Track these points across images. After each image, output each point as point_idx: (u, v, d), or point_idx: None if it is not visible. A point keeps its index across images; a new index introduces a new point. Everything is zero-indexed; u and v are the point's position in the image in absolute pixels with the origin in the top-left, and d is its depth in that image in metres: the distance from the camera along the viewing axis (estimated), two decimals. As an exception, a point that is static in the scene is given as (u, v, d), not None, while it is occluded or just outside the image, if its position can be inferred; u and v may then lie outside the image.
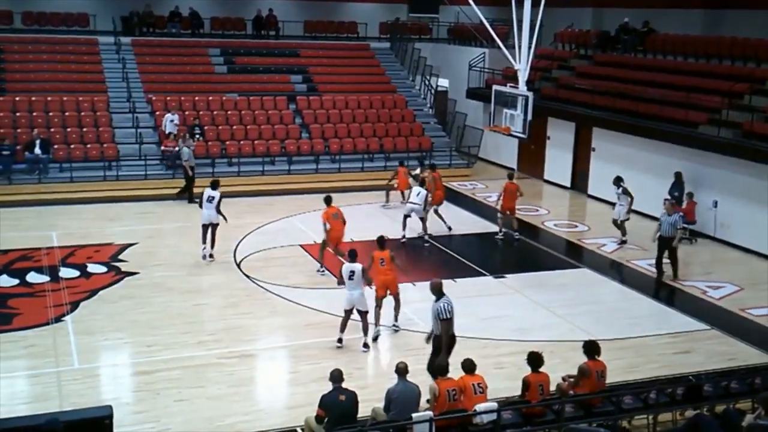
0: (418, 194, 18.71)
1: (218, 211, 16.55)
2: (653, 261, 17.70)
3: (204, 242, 16.72)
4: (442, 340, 11.24)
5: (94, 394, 11.06)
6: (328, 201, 16.44)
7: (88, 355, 12.29)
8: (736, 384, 10.59)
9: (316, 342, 13.01)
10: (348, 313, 12.79)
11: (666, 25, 25.36)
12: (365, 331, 12.90)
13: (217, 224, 16.67)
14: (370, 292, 13.32)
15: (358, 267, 12.79)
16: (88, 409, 9.08)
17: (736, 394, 10.43)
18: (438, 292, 11.39)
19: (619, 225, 19.10)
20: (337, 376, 9.43)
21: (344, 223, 16.32)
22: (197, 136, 24.28)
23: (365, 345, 12.88)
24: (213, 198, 16.55)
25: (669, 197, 19.45)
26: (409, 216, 18.74)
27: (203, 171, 23.91)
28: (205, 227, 16.67)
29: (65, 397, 10.92)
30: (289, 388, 11.83)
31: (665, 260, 16.63)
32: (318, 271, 16.28)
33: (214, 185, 16.89)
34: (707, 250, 19.11)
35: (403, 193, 21.46)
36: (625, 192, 18.87)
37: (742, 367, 12.30)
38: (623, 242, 19.00)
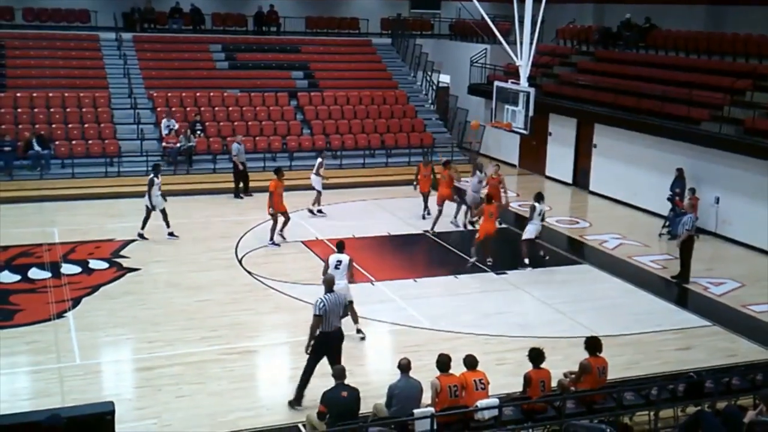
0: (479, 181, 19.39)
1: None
2: (655, 257, 17.76)
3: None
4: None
5: (95, 390, 11.07)
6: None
7: (90, 351, 12.30)
8: (738, 380, 10.58)
9: (317, 338, 13.00)
10: None
11: (668, 21, 25.32)
12: (355, 319, 12.85)
13: None
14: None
15: (345, 258, 12.83)
16: (89, 405, 9.07)
17: (737, 391, 10.44)
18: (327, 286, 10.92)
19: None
20: (339, 373, 9.44)
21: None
22: (198, 132, 24.30)
23: (359, 331, 12.93)
24: None
25: (671, 192, 19.49)
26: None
27: (204, 167, 23.99)
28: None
29: (67, 393, 10.93)
30: (291, 385, 11.70)
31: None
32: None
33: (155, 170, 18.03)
34: (709, 246, 19.08)
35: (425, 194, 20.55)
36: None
37: (743, 364, 12.27)
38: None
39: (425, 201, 20.51)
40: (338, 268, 12.73)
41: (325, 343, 10.65)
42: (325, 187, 21.04)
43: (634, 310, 14.73)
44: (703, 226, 19.58)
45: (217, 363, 12.03)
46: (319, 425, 9.34)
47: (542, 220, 17.03)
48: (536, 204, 16.89)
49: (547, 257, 17.47)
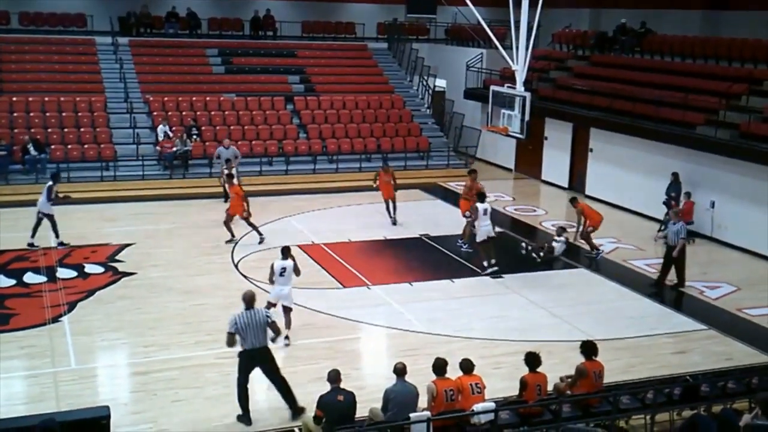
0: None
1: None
2: (650, 261, 17.77)
3: None
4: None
5: (91, 394, 11.04)
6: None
7: (85, 356, 12.26)
8: (733, 384, 10.58)
9: (313, 342, 13.00)
10: (270, 305, 12.68)
11: (663, 25, 25.41)
12: (288, 325, 12.83)
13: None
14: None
15: (289, 264, 12.88)
16: (85, 409, 9.07)
17: (733, 394, 10.44)
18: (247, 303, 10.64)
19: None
20: (334, 377, 9.44)
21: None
22: (194, 136, 24.30)
23: (287, 338, 12.80)
24: None
25: (667, 196, 19.53)
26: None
27: (201, 171, 23.99)
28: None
29: (62, 397, 10.89)
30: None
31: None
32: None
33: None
34: (704, 250, 19.12)
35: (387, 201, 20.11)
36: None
37: (739, 367, 12.29)
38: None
39: (387, 208, 20.18)
40: (283, 275, 12.76)
41: (251, 359, 10.46)
42: (322, 191, 21.09)
43: (630, 313, 14.73)
44: (698, 230, 19.63)
45: (213, 367, 11.98)
46: (315, 429, 9.31)
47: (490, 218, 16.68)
48: (478, 204, 16.48)
49: (528, 249, 17.94)
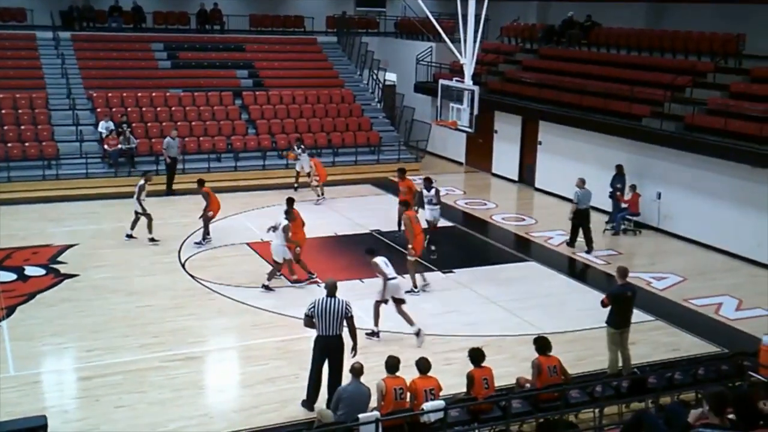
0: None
1: None
2: (599, 252, 17.95)
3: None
4: None
5: (30, 402, 10.67)
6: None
7: (25, 362, 11.87)
8: (680, 375, 10.71)
9: (263, 342, 12.82)
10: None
11: (609, 18, 25.63)
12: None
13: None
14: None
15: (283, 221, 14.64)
16: (20, 419, 8.78)
17: (679, 386, 10.55)
18: None
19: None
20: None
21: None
22: (127, 133, 23.51)
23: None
24: None
25: (612, 189, 19.72)
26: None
27: (148, 168, 23.39)
28: None
29: (0, 406, 10.52)
30: (236, 391, 11.60)
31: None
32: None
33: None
34: (651, 241, 19.38)
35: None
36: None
37: (686, 358, 12.45)
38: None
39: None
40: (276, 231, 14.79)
41: (323, 347, 10.49)
42: (272, 187, 20.91)
43: (580, 306, 14.80)
44: (645, 221, 19.89)
45: (159, 371, 11.73)
46: (329, 419, 9.34)
47: (435, 205, 16.83)
48: (424, 190, 16.92)
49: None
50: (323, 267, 16.42)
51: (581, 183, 18.21)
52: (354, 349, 10.63)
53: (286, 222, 15.08)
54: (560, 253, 18.15)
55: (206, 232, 17.78)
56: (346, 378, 10.10)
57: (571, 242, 18.36)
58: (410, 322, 12.94)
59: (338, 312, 10.40)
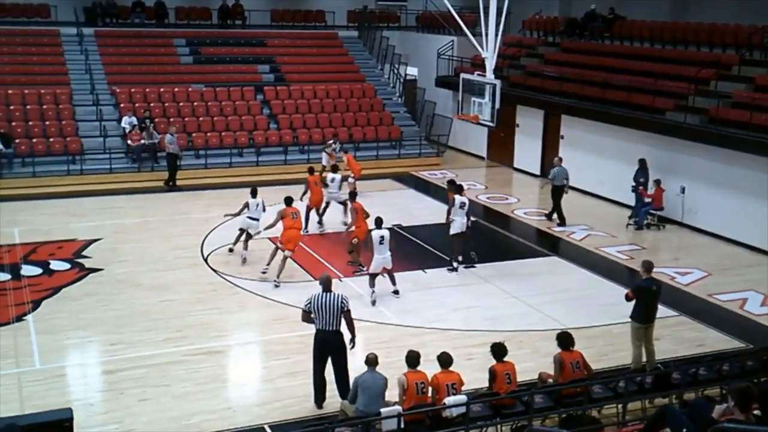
0: (332, 180, 18.65)
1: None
2: (622, 247, 17.84)
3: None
4: None
5: (55, 395, 10.78)
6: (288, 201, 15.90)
7: (50, 355, 12.00)
8: (705, 371, 10.59)
9: (285, 337, 12.85)
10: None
11: (632, 11, 25.41)
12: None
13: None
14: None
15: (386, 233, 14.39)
16: (47, 412, 8.84)
17: (704, 381, 10.46)
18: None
19: None
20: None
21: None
22: (150, 128, 23.64)
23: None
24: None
25: (635, 183, 19.55)
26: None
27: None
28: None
29: (26, 399, 10.65)
30: (258, 385, 11.67)
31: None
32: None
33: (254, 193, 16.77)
34: (675, 236, 19.20)
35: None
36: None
37: (711, 354, 12.33)
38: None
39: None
40: (382, 243, 14.30)
41: (323, 342, 10.49)
42: (294, 182, 20.92)
43: (602, 301, 14.70)
44: (669, 215, 19.72)
45: (182, 364, 11.80)
46: (350, 411, 9.42)
47: (466, 212, 16.12)
48: (456, 196, 16.09)
49: (476, 258, 16.56)
50: (345, 263, 16.44)
51: (559, 161, 19.66)
52: (352, 341, 10.59)
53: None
54: (583, 247, 18.04)
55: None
56: (352, 371, 10.17)
57: (550, 216, 19.81)
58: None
59: (335, 306, 10.38)
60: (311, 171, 18.97)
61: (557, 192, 19.56)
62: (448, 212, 16.11)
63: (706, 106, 19.26)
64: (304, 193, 18.54)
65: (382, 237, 14.32)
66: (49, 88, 24.77)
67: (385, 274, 14.59)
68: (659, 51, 23.06)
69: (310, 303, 10.45)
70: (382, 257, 14.32)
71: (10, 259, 16.00)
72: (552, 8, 29.12)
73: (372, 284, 14.44)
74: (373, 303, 14.24)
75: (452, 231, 16.06)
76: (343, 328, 10.53)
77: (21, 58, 25.97)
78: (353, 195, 16.57)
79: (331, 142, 22.70)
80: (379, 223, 14.66)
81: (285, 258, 15.12)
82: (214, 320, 13.47)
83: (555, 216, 19.76)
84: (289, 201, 15.79)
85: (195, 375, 11.49)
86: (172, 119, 24.76)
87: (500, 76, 20.14)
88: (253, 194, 16.54)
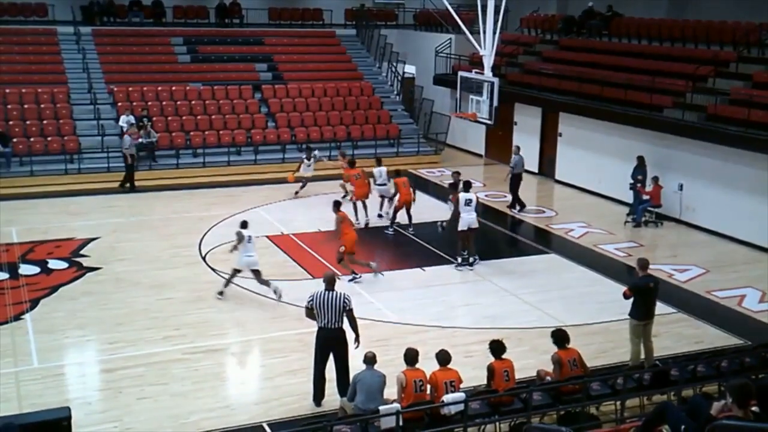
0: (380, 175, 19.26)
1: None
2: (620, 245, 17.85)
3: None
4: None
5: (54, 394, 10.77)
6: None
7: (48, 354, 11.99)
8: (703, 367, 10.61)
9: (284, 335, 12.84)
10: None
11: (630, 8, 25.41)
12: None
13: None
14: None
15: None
16: (45, 411, 8.84)
17: (702, 378, 10.46)
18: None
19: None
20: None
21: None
22: (148, 127, 23.61)
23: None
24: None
25: (633, 180, 19.56)
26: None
27: (168, 162, 23.63)
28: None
29: (24, 398, 10.63)
30: (256, 383, 11.67)
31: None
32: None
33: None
34: (673, 233, 19.21)
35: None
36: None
37: (709, 350, 12.35)
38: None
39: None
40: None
41: (325, 339, 10.49)
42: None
43: (601, 298, 14.70)
44: (667, 212, 19.73)
45: (181, 363, 11.80)
46: (350, 409, 9.42)
47: (474, 209, 16.07)
48: (461, 194, 16.16)
49: (472, 260, 16.33)
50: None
51: (517, 150, 20.61)
52: (357, 340, 10.59)
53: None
54: (581, 245, 18.05)
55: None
56: (353, 370, 10.16)
57: (513, 205, 20.52)
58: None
59: (337, 305, 10.37)
60: (352, 164, 19.74)
61: (516, 180, 20.39)
62: (455, 212, 16.11)
63: (704, 104, 19.25)
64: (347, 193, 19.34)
65: (469, 200, 15.73)
66: (47, 87, 24.73)
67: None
68: (657, 48, 23.07)
69: (312, 300, 10.45)
70: (469, 216, 15.76)
71: (8, 258, 15.97)
72: (550, 6, 29.12)
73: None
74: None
75: (459, 227, 16.03)
76: (346, 326, 10.52)
77: (18, 57, 25.93)
78: (337, 204, 15.88)
79: (316, 152, 22.16)
80: (467, 186, 16.18)
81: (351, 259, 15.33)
82: (212, 318, 13.46)
83: (517, 204, 20.54)
84: (337, 205, 15.73)
85: (194, 373, 11.48)
86: (170, 118, 24.73)
87: (498, 74, 20.15)
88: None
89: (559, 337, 10.13)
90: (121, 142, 21.88)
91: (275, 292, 14.05)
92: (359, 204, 18.88)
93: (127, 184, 21.65)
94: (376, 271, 15.44)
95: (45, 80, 25.18)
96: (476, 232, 16.27)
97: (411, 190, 18.44)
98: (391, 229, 18.53)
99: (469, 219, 15.95)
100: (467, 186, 16.45)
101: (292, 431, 9.40)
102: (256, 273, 14.15)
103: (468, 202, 15.96)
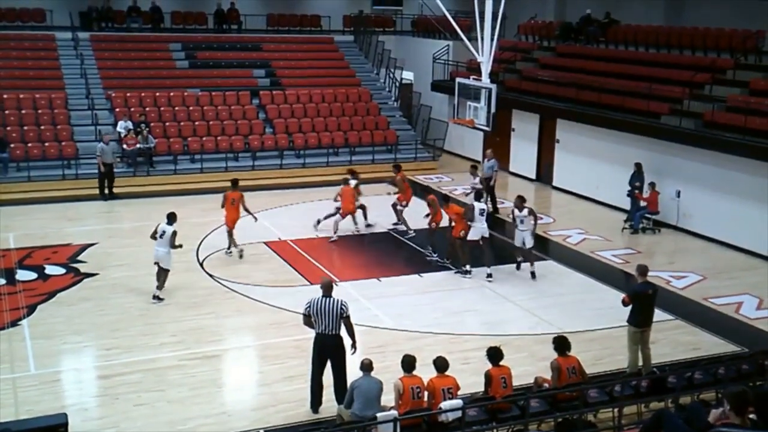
0: None
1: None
2: (618, 251, 17.88)
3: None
4: None
5: (50, 400, 10.76)
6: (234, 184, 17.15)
7: (45, 360, 11.97)
8: (700, 374, 10.61)
9: (281, 341, 12.83)
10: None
11: (627, 15, 25.49)
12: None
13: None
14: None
15: (169, 229, 14.17)
16: (42, 417, 8.83)
17: (700, 385, 10.46)
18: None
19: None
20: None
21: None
22: (146, 132, 23.59)
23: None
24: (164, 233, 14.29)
25: (630, 187, 19.59)
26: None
27: (166, 168, 23.62)
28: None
29: (21, 404, 10.60)
30: (254, 389, 11.65)
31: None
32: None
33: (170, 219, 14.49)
34: (670, 239, 19.23)
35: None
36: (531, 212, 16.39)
37: (706, 357, 12.35)
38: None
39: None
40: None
41: (322, 345, 10.47)
42: (290, 186, 20.90)
43: (598, 305, 14.72)
44: (664, 219, 19.75)
45: (178, 369, 11.78)
46: (347, 416, 9.42)
47: (487, 219, 16.13)
48: (474, 203, 16.14)
49: (520, 259, 16.59)
50: (341, 266, 16.46)
51: (491, 154, 21.35)
52: (353, 347, 10.56)
53: (171, 229, 14.15)
54: (578, 251, 18.05)
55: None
56: (350, 376, 10.14)
57: (496, 209, 20.92)
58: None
59: (334, 312, 10.32)
60: (398, 168, 19.90)
61: (489, 183, 20.77)
62: (467, 221, 15.99)
63: (701, 110, 19.31)
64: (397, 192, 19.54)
65: (482, 210, 15.91)
66: (45, 92, 24.73)
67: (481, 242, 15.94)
68: (654, 55, 23.14)
69: (309, 306, 10.42)
70: (482, 226, 15.87)
71: (5, 264, 15.95)
72: (547, 13, 29.19)
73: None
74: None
75: (470, 237, 15.96)
76: (343, 333, 10.51)
77: (16, 62, 25.92)
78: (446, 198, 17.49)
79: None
80: (478, 195, 16.50)
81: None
82: (209, 325, 13.45)
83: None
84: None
85: (191, 379, 11.46)
86: (168, 123, 24.73)
87: (496, 81, 20.18)
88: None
89: (560, 343, 10.12)
90: (98, 149, 21.45)
91: (156, 297, 14.24)
92: (359, 212, 18.93)
93: (106, 191, 21.50)
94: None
95: (43, 86, 25.18)
96: (487, 243, 16.23)
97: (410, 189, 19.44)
98: (412, 232, 18.69)
99: (481, 229, 15.94)
100: (478, 195, 16.54)
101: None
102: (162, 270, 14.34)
103: (481, 212, 15.95)
